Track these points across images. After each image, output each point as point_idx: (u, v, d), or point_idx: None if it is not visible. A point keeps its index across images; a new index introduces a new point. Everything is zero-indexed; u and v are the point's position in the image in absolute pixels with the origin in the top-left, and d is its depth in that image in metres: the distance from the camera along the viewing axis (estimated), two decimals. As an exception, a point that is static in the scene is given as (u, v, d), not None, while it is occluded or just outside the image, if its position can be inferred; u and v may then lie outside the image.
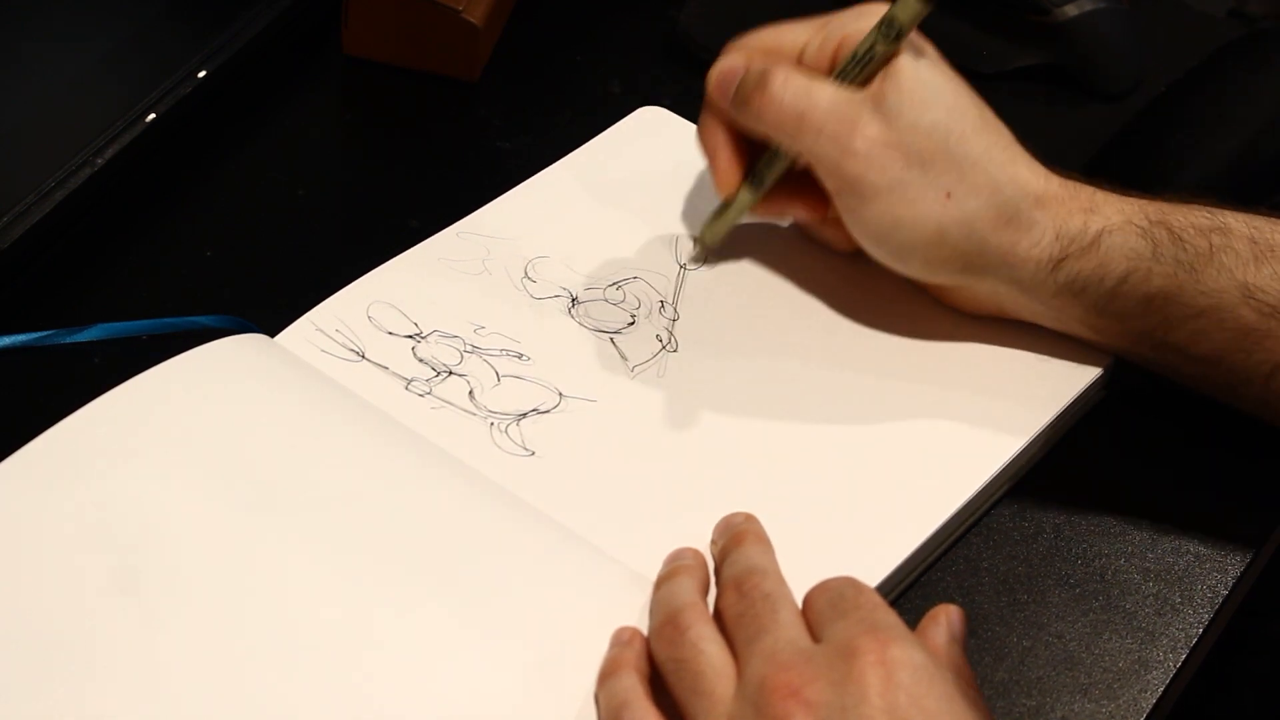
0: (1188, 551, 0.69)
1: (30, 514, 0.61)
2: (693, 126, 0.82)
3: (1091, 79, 0.89)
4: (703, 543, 0.65)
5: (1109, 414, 0.74)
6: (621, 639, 0.60)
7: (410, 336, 0.72)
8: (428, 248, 0.76)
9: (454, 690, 0.58)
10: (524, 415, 0.69)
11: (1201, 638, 0.67)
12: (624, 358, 0.72)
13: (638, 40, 0.92)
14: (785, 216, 0.76)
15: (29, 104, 0.80)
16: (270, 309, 0.72)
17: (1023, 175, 0.70)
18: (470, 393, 0.70)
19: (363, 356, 0.71)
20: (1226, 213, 0.69)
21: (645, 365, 0.72)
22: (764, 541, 0.63)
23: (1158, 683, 0.65)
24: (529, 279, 0.75)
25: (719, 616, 0.60)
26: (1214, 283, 0.68)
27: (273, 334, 0.71)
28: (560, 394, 0.70)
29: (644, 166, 0.81)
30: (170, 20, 0.85)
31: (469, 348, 0.72)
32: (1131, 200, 0.70)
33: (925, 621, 0.60)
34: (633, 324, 0.74)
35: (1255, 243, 0.68)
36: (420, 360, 0.71)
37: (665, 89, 0.88)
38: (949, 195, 0.69)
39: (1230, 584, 0.69)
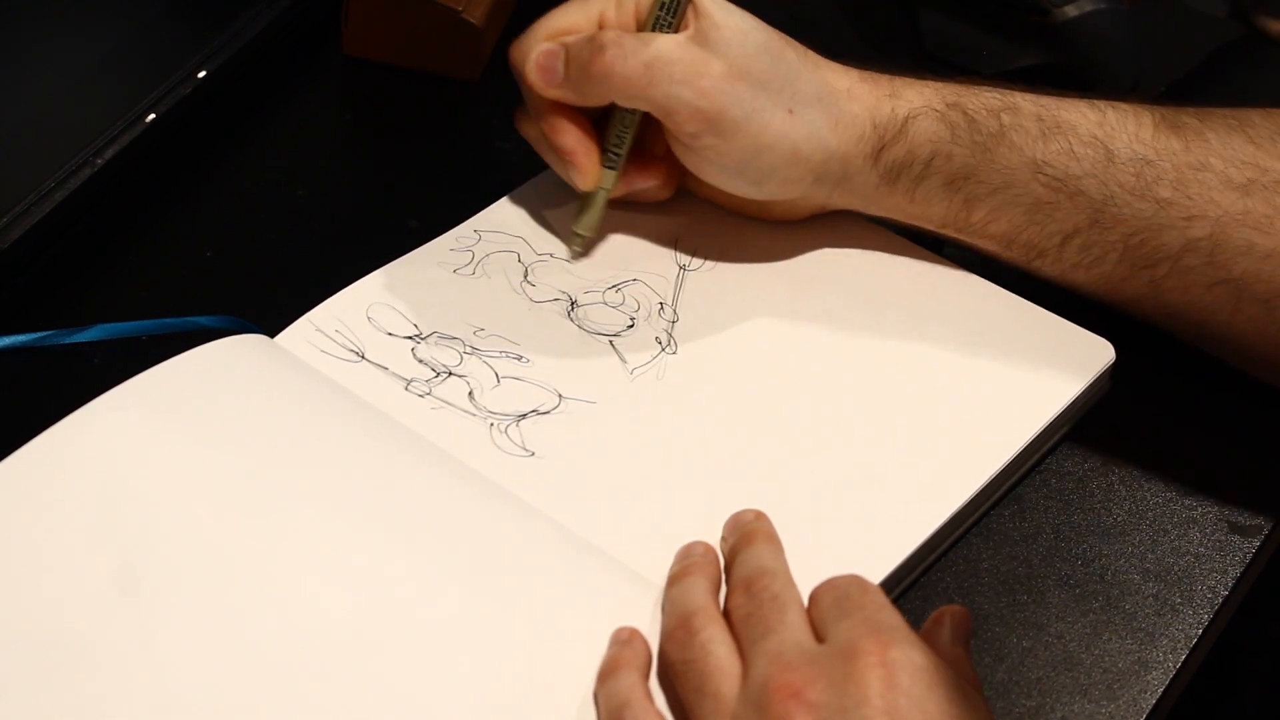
0: (1188, 551, 0.69)
1: (30, 513, 0.61)
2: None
3: (1091, 79, 0.89)
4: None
5: (1109, 414, 0.74)
6: (620, 638, 0.60)
7: (410, 338, 0.72)
8: (427, 252, 0.76)
9: (454, 690, 0.58)
10: (524, 416, 0.69)
11: (1201, 638, 0.67)
12: (623, 360, 0.72)
13: (638, 40, 0.92)
14: (636, 189, 0.77)
15: (29, 104, 0.80)
16: (270, 309, 0.72)
17: (829, 76, 0.73)
18: (470, 393, 0.70)
19: (362, 357, 0.71)
20: (1016, 93, 0.73)
21: (644, 367, 0.72)
22: (774, 541, 0.63)
23: (1158, 683, 0.65)
24: (528, 282, 0.75)
25: (728, 616, 0.60)
26: (1006, 160, 0.72)
27: (273, 334, 0.71)
28: (560, 395, 0.70)
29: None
30: (170, 20, 0.85)
31: (468, 349, 0.72)
32: (928, 84, 0.74)
33: (929, 622, 0.60)
34: (632, 326, 0.74)
35: (1042, 120, 0.72)
36: (420, 361, 0.71)
37: (665, 89, 0.88)
38: (791, 111, 0.71)
39: (1230, 584, 0.69)
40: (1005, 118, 0.72)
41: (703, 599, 0.61)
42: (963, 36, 0.91)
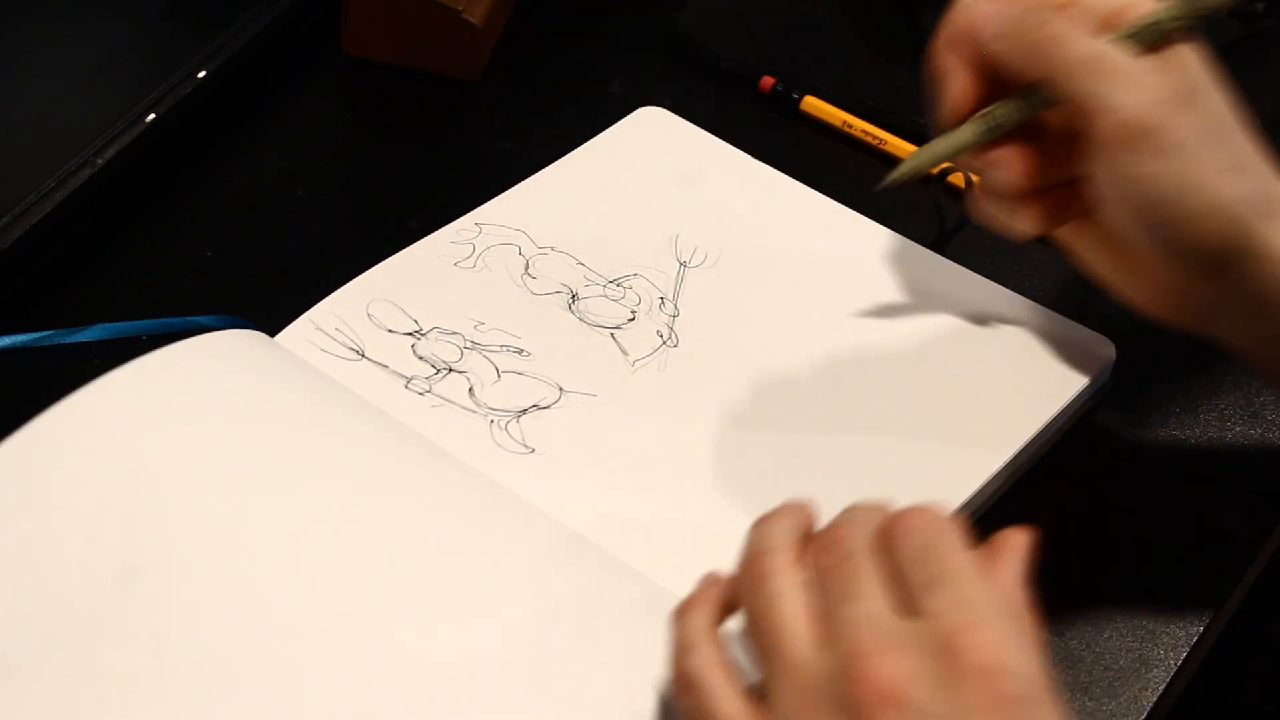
0: (1188, 551, 0.69)
1: (27, 497, 0.61)
2: (693, 127, 0.83)
3: None
4: (702, 541, 0.65)
5: (1109, 413, 0.74)
6: (707, 579, 0.57)
7: (410, 334, 0.72)
8: (427, 245, 0.76)
9: (451, 685, 0.58)
10: (524, 411, 0.69)
11: (1202, 636, 0.67)
12: (624, 353, 0.72)
13: (638, 40, 0.92)
14: (998, 169, 0.68)
15: (29, 104, 0.80)
16: (270, 309, 0.72)
17: (1275, 168, 0.66)
18: (470, 390, 0.70)
19: (362, 355, 0.71)
20: None
21: (645, 360, 0.72)
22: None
23: (1158, 681, 0.65)
24: (529, 275, 0.75)
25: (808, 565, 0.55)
26: None
27: (273, 334, 0.71)
28: (560, 389, 0.70)
29: (645, 165, 0.81)
30: (170, 20, 0.85)
31: (469, 344, 0.72)
32: None
33: (994, 549, 0.54)
34: (633, 320, 0.74)
35: None
36: (420, 358, 0.71)
37: (665, 89, 0.88)
38: (1229, 170, 0.64)
39: (1230, 583, 0.69)
40: None
41: (780, 539, 0.55)
42: (963, 36, 0.91)
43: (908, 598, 0.52)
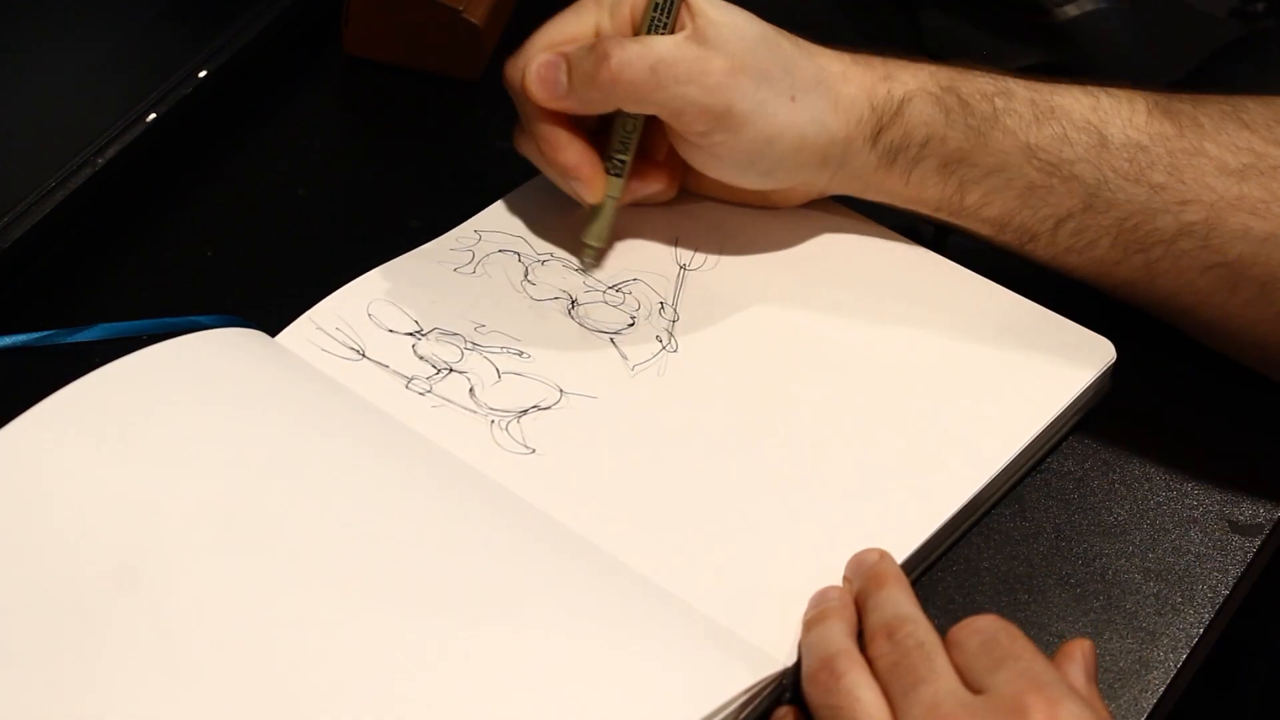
0: (1188, 551, 0.69)
1: (13, 492, 0.61)
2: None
3: (1091, 79, 0.89)
4: (701, 542, 0.65)
5: (1109, 413, 0.74)
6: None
7: (411, 334, 0.72)
8: (427, 251, 0.76)
9: (449, 684, 0.58)
10: (524, 412, 0.69)
11: (1202, 637, 0.67)
12: (624, 357, 0.72)
13: (638, 40, 0.92)
14: (641, 195, 0.76)
15: (29, 104, 0.80)
16: (270, 309, 0.72)
17: (823, 61, 0.73)
18: (470, 390, 0.70)
19: (363, 355, 0.71)
20: (1009, 78, 0.74)
21: (645, 364, 0.72)
22: (904, 583, 0.62)
23: (1159, 683, 0.65)
24: (529, 281, 0.75)
25: (870, 663, 0.59)
26: (1000, 144, 0.72)
27: (273, 334, 0.71)
28: (561, 390, 0.70)
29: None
30: (170, 20, 0.85)
31: (469, 345, 0.72)
32: (922, 66, 0.74)
33: (1060, 658, 0.60)
34: (632, 325, 0.74)
35: (1036, 104, 0.73)
36: (420, 358, 0.71)
37: (665, 89, 0.88)
38: (793, 99, 0.72)
39: (1231, 583, 0.68)
40: (999, 102, 0.73)
41: (844, 642, 0.60)
42: (963, 36, 0.91)
43: (975, 682, 0.57)
